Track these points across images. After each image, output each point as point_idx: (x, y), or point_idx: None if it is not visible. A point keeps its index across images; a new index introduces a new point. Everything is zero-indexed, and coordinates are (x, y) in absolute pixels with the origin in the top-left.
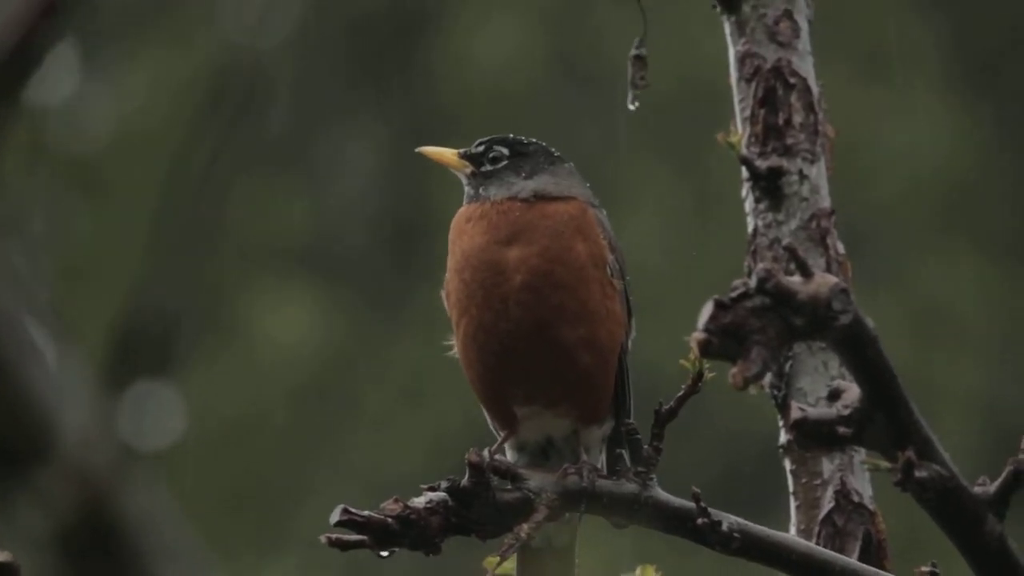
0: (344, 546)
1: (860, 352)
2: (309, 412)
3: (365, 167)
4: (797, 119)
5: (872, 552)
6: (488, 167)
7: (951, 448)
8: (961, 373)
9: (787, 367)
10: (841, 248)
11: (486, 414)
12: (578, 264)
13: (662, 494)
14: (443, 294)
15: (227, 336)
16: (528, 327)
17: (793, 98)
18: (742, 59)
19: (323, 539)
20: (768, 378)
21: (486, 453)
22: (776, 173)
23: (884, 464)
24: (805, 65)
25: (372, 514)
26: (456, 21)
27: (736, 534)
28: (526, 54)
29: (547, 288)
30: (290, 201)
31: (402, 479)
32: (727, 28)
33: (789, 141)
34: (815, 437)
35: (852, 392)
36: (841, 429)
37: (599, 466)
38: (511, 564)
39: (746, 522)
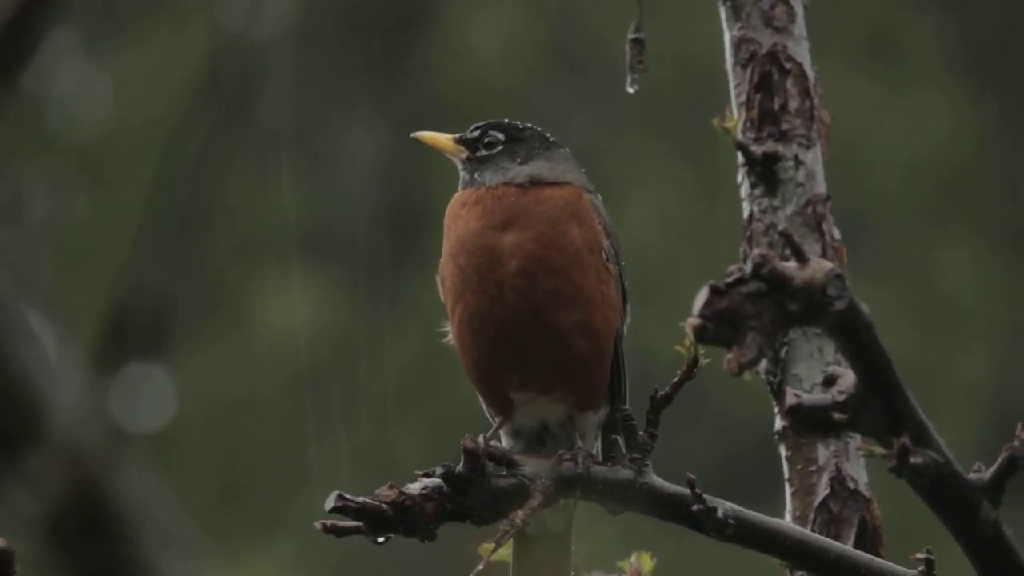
0: (339, 532)
1: (855, 338)
2: (307, 398)
3: (365, 155)
4: (793, 104)
5: (867, 539)
6: (483, 152)
7: (953, 436)
8: (963, 361)
9: (783, 353)
10: (837, 234)
11: (481, 400)
12: (573, 249)
13: (657, 480)
14: (438, 279)
15: (227, 322)
16: (523, 312)
17: (789, 83)
18: (738, 44)
19: (318, 525)
20: (764, 364)
21: (481, 439)
22: (772, 159)
23: (879, 450)
24: (801, 50)
25: (367, 500)
26: (452, 10)
27: (731, 520)
28: (521, 42)
29: (542, 273)
30: (291, 189)
31: (402, 466)
32: (723, 13)
33: (785, 126)
34: (810, 423)
35: (847, 378)
36: (836, 415)
37: (594, 452)
38: (507, 550)
39: (741, 508)
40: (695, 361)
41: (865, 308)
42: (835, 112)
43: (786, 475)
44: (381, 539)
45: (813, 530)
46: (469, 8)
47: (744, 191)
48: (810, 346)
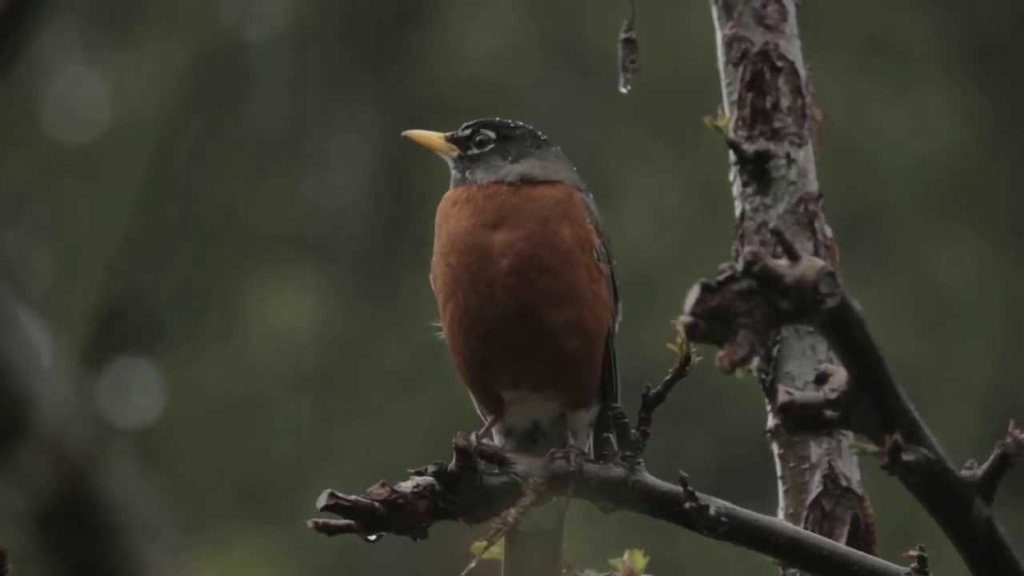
0: (331, 531)
1: (847, 335)
2: (303, 397)
3: (361, 156)
4: (784, 103)
5: (860, 536)
6: (475, 150)
7: (953, 433)
8: (963, 359)
9: (775, 351)
10: (829, 232)
11: (473, 398)
12: (564, 248)
13: (649, 478)
14: (431, 278)
15: (222, 320)
16: (514, 311)
17: (780, 82)
18: (729, 43)
19: (310, 524)
20: (755, 362)
21: (473, 437)
22: (764, 157)
23: (871, 448)
24: (792, 48)
25: (359, 499)
26: (450, 10)
27: (723, 518)
28: (518, 41)
29: (533, 272)
30: (288, 188)
31: (395, 465)
32: (714, 12)
33: (776, 125)
34: (802, 421)
35: (839, 376)
36: (828, 413)
37: (586, 450)
38: (498, 549)
39: (733, 506)
40: (687, 359)
41: (857, 305)
42: (836, 112)
43: (779, 473)
44: (373, 537)
45: (806, 528)
46: (467, 8)
47: (736, 189)
48: (802, 344)
